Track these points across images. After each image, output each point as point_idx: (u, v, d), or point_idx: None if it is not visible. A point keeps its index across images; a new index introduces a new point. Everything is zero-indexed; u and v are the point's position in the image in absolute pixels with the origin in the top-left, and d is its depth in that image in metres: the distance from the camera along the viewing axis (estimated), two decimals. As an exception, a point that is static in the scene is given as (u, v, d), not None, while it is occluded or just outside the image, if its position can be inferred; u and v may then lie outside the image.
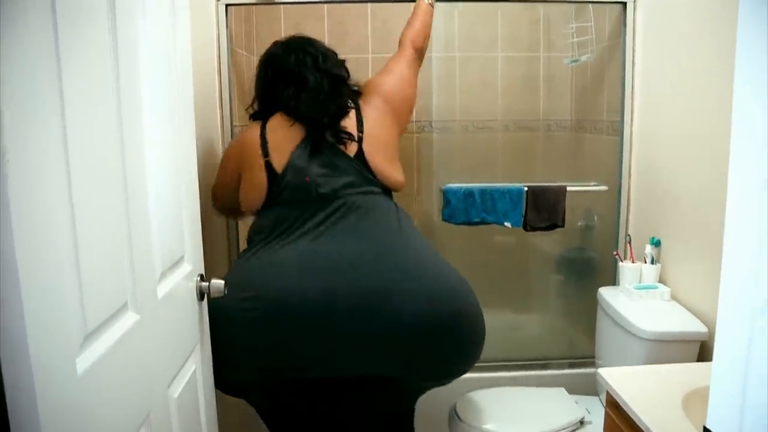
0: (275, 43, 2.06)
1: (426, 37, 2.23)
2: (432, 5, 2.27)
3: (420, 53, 2.21)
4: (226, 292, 1.57)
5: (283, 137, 1.91)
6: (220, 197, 2.13)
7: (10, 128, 0.75)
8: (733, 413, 0.75)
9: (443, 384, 1.95)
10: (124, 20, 1.12)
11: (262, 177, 1.90)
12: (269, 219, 1.89)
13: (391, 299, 1.71)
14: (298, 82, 1.92)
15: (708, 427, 0.80)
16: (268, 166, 1.89)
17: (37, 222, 0.81)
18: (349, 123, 1.93)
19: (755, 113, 0.69)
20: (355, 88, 2.04)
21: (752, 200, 0.70)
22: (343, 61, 2.04)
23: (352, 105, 1.97)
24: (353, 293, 1.72)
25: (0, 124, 0.73)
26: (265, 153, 1.90)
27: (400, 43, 2.22)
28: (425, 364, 1.81)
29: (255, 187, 1.91)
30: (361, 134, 1.92)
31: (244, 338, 1.75)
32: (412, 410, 2.13)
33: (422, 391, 2.04)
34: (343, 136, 1.90)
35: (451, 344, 1.77)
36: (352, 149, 1.91)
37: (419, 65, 2.22)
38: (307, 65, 1.94)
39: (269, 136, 1.92)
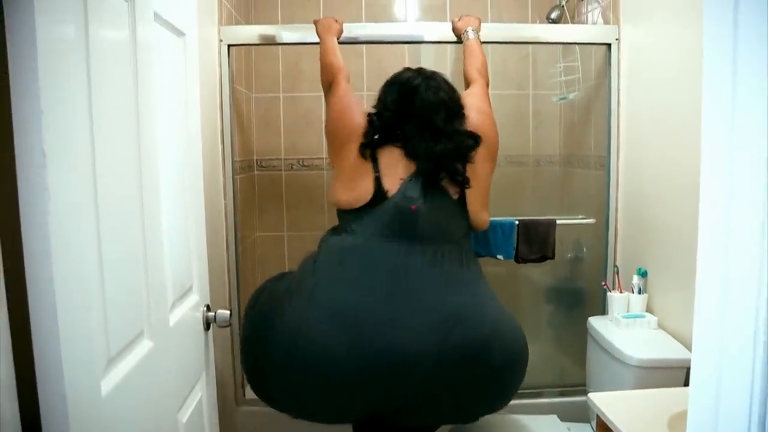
0: (409, 73, 2.04)
1: (487, 68, 2.29)
2: (479, 38, 2.35)
3: (488, 84, 2.27)
4: (230, 323, 1.65)
5: (395, 163, 1.92)
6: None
7: (51, 169, 0.83)
8: (708, 429, 0.83)
9: None
10: (144, 66, 1.20)
11: (369, 186, 1.91)
12: (366, 247, 1.88)
13: (486, 348, 1.79)
14: (433, 134, 1.91)
15: (687, 441, 0.87)
16: (377, 181, 1.90)
17: (71, 255, 0.88)
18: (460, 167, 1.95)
19: (721, 154, 0.78)
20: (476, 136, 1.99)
21: (720, 238, 0.78)
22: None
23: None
24: (460, 345, 1.76)
25: (44, 165, 0.81)
26: (376, 169, 1.91)
27: (471, 79, 2.24)
28: (500, 403, 1.97)
29: (357, 189, 1.92)
30: (468, 177, 1.94)
31: (353, 384, 1.74)
32: None
33: None
34: (458, 179, 1.92)
35: (517, 381, 1.93)
36: (455, 191, 1.94)
37: None
38: (440, 121, 1.92)
39: (379, 153, 1.93)
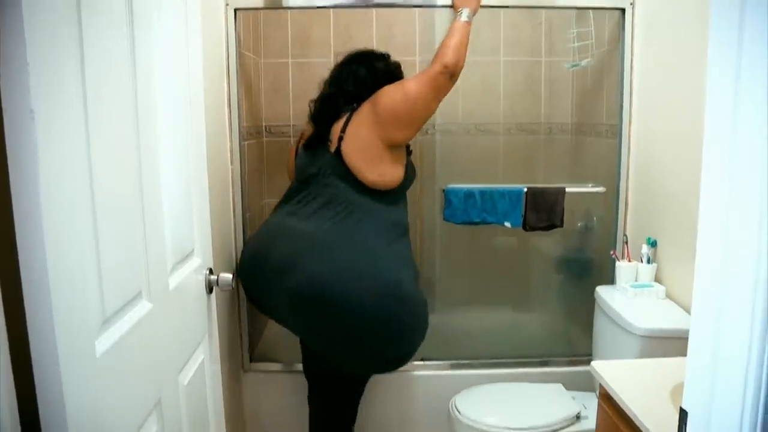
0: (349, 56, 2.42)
1: (459, 55, 2.19)
2: (469, 23, 2.26)
3: (450, 71, 2.17)
4: (233, 286, 1.67)
5: (308, 131, 2.38)
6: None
7: (41, 129, 0.82)
8: (704, 397, 0.82)
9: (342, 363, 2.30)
10: (141, 26, 1.18)
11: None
12: (288, 192, 2.38)
13: (294, 271, 2.09)
14: (320, 102, 2.35)
15: (684, 407, 0.87)
16: (297, 150, 2.44)
17: (62, 213, 0.88)
18: (338, 126, 2.24)
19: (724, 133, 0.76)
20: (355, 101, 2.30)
21: (719, 212, 0.77)
22: (377, 72, 2.33)
23: (348, 111, 2.26)
24: (279, 260, 2.15)
25: (33, 126, 0.80)
26: (298, 143, 2.46)
27: (432, 62, 2.22)
28: (305, 330, 2.26)
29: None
30: (342, 134, 2.20)
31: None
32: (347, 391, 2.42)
33: (342, 368, 2.35)
34: (329, 138, 2.25)
35: (322, 321, 2.11)
36: (332, 147, 2.23)
37: (446, 82, 2.19)
38: (332, 80, 2.36)
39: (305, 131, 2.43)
